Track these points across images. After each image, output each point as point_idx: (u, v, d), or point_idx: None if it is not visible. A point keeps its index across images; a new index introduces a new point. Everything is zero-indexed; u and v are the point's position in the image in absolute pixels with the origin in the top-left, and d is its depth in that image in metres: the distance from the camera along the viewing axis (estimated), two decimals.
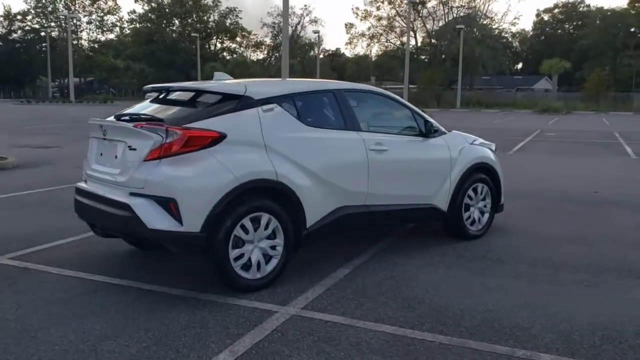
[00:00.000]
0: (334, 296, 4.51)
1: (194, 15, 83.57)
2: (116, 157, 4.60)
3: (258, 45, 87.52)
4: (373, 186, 5.32)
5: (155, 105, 4.95)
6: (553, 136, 21.95)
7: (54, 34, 76.33)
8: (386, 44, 74.19)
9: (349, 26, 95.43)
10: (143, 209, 4.25)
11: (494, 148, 6.74)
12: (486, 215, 6.46)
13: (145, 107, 4.98)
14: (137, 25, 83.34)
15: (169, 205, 4.24)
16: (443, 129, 6.06)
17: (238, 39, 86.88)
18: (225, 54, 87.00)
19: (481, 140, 6.65)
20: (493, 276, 5.07)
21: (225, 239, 4.36)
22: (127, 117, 4.67)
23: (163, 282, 4.76)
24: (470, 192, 6.22)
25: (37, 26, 76.97)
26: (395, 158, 5.53)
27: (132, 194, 4.34)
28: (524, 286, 4.83)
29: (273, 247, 4.67)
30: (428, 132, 5.89)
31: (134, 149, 4.41)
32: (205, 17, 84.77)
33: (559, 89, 57.85)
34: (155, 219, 4.23)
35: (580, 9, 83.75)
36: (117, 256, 5.52)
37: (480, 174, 6.32)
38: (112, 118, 4.84)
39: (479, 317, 4.14)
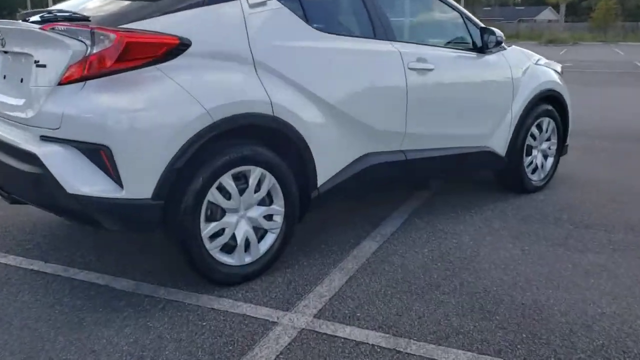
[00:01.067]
0: (361, 290, 2.97)
1: None
2: (21, 80, 2.93)
3: None
4: (412, 123, 3.69)
5: (95, 1, 3.22)
6: (571, 66, 20.11)
7: None
8: None
9: None
10: (58, 163, 2.63)
11: (559, 70, 5.07)
12: (550, 160, 4.87)
13: (80, 3, 3.24)
14: None
15: (99, 156, 2.62)
16: (503, 41, 4.35)
17: None
18: None
19: (544, 59, 4.97)
20: (587, 251, 3.52)
21: (193, 208, 2.77)
22: (37, 18, 2.96)
23: (103, 268, 3.21)
24: (534, 130, 4.59)
25: None
26: (444, 81, 3.86)
27: (44, 139, 2.71)
28: None
29: (268, 217, 3.10)
30: (485, 45, 4.18)
31: (43, 66, 2.75)
32: None
33: (566, 19, 55.41)
34: (77, 178, 2.62)
35: None
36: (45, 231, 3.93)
37: (547, 104, 4.67)
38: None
39: (602, 336, 2.62)
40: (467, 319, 2.70)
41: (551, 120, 4.74)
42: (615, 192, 4.77)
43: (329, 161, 3.29)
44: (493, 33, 4.16)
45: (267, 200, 3.08)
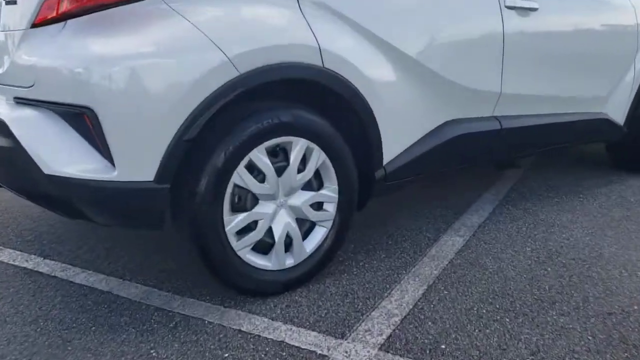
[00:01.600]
0: (445, 308, 2.15)
1: None
2: None
3: None
4: (510, 80, 2.80)
5: None
6: None
7: None
8: None
9: None
10: (31, 133, 1.92)
11: None
12: None
13: None
14: None
15: (83, 123, 1.91)
16: None
17: None
18: None
19: None
20: None
21: (213, 194, 2.01)
22: None
23: (97, 266, 2.53)
24: None
25: None
26: (551, 26, 2.93)
27: (18, 101, 2.01)
28: None
29: (317, 206, 2.31)
30: None
31: (13, 2, 2.04)
32: None
33: None
34: (57, 154, 1.90)
35: None
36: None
37: None
38: None
39: None
40: (603, 359, 1.84)
41: None
42: None
43: (400, 130, 2.46)
44: None
45: (316, 183, 2.30)
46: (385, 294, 2.25)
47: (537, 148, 3.21)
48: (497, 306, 2.15)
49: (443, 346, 1.91)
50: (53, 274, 2.50)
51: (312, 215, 2.28)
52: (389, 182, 2.49)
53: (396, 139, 2.46)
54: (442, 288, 2.29)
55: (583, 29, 3.12)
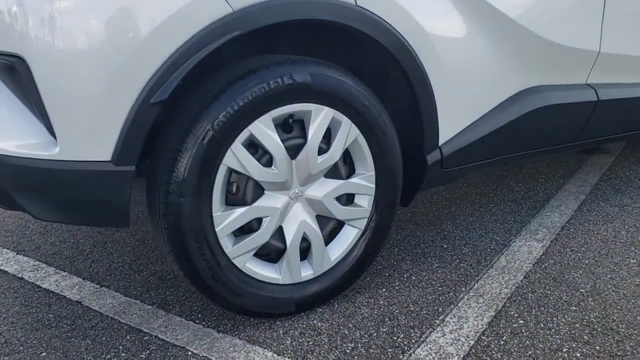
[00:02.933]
0: (525, 344, 1.53)
1: None
2: None
3: None
4: (611, 37, 2.11)
5: None
6: None
7: None
8: None
9: None
10: None
11: None
12: None
13: None
14: None
15: (14, 78, 1.37)
16: None
17: None
18: None
19: None
20: None
21: (198, 181, 1.45)
22: None
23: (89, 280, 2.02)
24: None
25: None
26: None
27: None
28: None
29: (347, 200, 1.72)
30: None
31: None
32: None
33: None
34: None
35: None
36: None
37: None
38: None
39: None
40: None
41: None
42: None
43: (463, 100, 1.83)
44: None
45: (344, 168, 1.71)
46: (437, 322, 1.64)
47: (636, 128, 2.49)
48: (598, 347, 1.51)
49: None
50: (20, 275, 2.01)
51: (339, 211, 1.68)
52: (447, 169, 1.87)
53: (458, 111, 1.83)
54: (517, 315, 1.66)
55: None
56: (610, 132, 2.42)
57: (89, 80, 1.31)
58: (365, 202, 1.72)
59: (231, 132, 1.46)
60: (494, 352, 1.50)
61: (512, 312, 1.68)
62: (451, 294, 1.79)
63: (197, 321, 1.68)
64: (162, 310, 1.75)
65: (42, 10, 1.28)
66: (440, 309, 1.71)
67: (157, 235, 1.56)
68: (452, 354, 1.49)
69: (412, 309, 1.71)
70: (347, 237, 1.73)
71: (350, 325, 1.64)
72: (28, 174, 1.36)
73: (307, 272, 1.67)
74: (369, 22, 1.56)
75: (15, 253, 2.18)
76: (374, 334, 1.59)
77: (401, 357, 1.49)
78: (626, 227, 2.26)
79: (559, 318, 1.65)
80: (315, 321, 1.66)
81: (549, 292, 1.79)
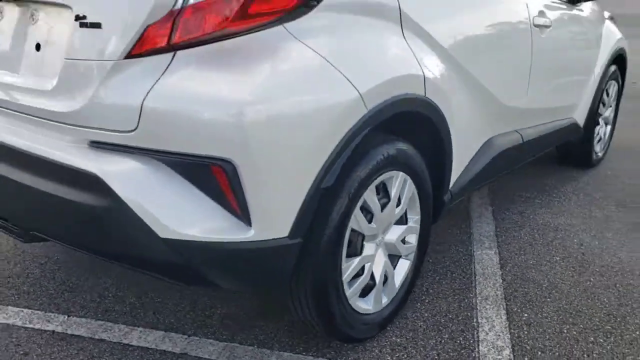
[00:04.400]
0: (539, 332, 2.19)
1: None
2: (38, 47, 1.78)
3: None
4: (532, 94, 2.90)
5: None
6: None
7: None
8: None
9: None
10: (140, 189, 1.57)
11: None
12: (608, 128, 4.30)
13: None
14: None
15: (209, 177, 1.59)
16: None
17: None
18: None
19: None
20: None
21: (336, 242, 1.83)
22: None
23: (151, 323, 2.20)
24: (604, 95, 3.97)
25: None
26: (559, 41, 3.08)
27: (98, 146, 1.63)
28: None
29: (404, 238, 2.21)
30: None
31: (95, 25, 1.62)
32: None
33: None
34: (174, 213, 1.58)
35: None
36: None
37: (613, 65, 4.03)
38: None
39: None
40: None
41: (615, 84, 4.14)
42: None
43: (463, 151, 2.43)
44: None
45: (405, 215, 2.19)
46: (474, 324, 2.23)
47: (533, 157, 3.36)
48: (582, 326, 2.24)
49: None
50: (25, 325, 2.10)
51: (403, 249, 2.18)
52: (450, 205, 2.46)
53: (460, 160, 2.42)
54: (519, 311, 2.33)
55: (574, 41, 3.33)
56: (533, 154, 3.24)
57: (283, 175, 1.62)
58: (413, 239, 2.23)
59: (356, 200, 1.86)
60: (527, 341, 2.14)
61: (515, 309, 2.34)
62: (466, 300, 2.39)
63: (305, 353, 2.03)
64: (265, 348, 2.05)
65: (249, 120, 1.54)
66: (469, 313, 2.30)
67: (292, 294, 1.87)
68: (503, 346, 2.10)
69: (450, 316, 2.28)
70: (404, 267, 2.23)
71: (421, 337, 2.14)
72: (225, 253, 1.61)
73: (385, 299, 2.14)
74: (431, 108, 2.08)
75: (66, 316, 2.22)
76: (442, 341, 2.12)
77: (473, 354, 2.05)
78: (535, 230, 3.09)
79: (545, 308, 2.35)
80: (394, 338, 2.13)
81: (526, 290, 2.49)
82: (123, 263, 1.76)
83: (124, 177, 1.58)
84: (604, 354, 2.07)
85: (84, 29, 1.61)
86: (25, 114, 1.79)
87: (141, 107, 1.55)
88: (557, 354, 2.07)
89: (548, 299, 2.42)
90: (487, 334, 2.17)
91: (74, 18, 1.62)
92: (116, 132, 1.60)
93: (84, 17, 1.61)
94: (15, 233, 1.96)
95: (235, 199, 1.59)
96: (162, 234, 1.56)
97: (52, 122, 1.71)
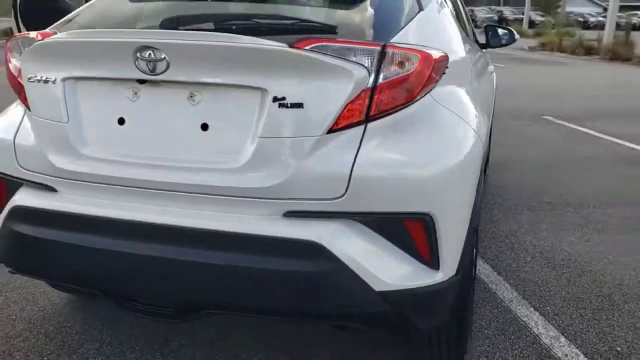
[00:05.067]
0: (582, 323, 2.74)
1: None
2: (205, 126, 1.81)
3: None
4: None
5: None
6: None
7: None
8: None
9: None
10: (353, 251, 1.74)
11: None
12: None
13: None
14: None
15: (402, 231, 1.81)
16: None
17: None
18: None
19: None
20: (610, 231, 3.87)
21: (470, 273, 2.17)
22: (230, 25, 1.96)
23: None
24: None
25: None
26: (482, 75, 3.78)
27: (294, 215, 1.76)
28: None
29: None
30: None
31: (297, 105, 1.73)
32: None
33: None
34: (381, 267, 1.77)
35: None
36: None
37: None
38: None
39: None
40: None
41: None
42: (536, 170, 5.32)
43: None
44: None
45: None
46: (534, 330, 2.70)
47: None
48: (598, 305, 2.84)
49: (618, 348, 2.52)
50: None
51: None
52: None
53: None
54: (542, 305, 2.86)
55: (485, 73, 4.03)
56: None
57: (458, 221, 1.90)
58: None
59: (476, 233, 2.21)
60: (571, 335, 2.66)
61: (539, 305, 2.86)
62: (504, 313, 2.83)
63: None
64: None
65: (443, 178, 1.80)
66: (521, 322, 2.74)
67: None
68: (564, 343, 2.59)
69: (511, 329, 2.69)
70: None
71: (508, 346, 2.53)
72: (423, 297, 1.84)
73: None
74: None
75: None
76: (525, 347, 2.52)
77: (554, 353, 2.49)
78: (495, 240, 3.68)
79: (556, 297, 2.91)
80: (478, 348, 2.50)
81: (531, 288, 3.03)
82: (327, 320, 1.87)
83: (338, 240, 1.74)
84: (601, 326, 2.69)
85: (282, 109, 1.72)
86: (197, 193, 1.80)
87: (350, 175, 1.72)
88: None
89: (551, 291, 2.99)
90: (546, 335, 2.62)
91: (271, 99, 1.72)
92: (323, 201, 1.73)
93: (283, 98, 1.72)
94: (167, 316, 1.92)
95: (428, 247, 1.83)
96: (377, 287, 1.75)
97: (236, 198, 1.77)
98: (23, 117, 2.08)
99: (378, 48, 1.74)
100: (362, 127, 1.76)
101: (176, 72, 1.76)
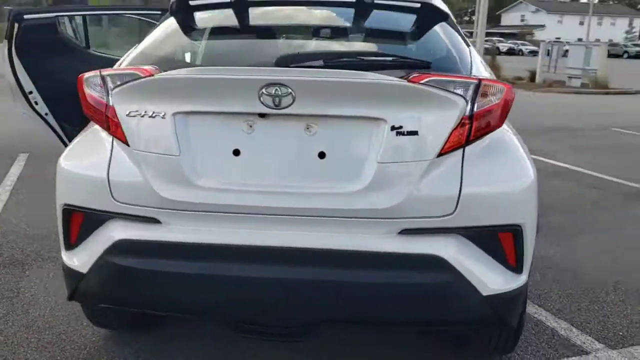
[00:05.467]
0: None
1: None
2: (322, 154, 1.95)
3: None
4: None
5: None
6: None
7: None
8: None
9: None
10: (466, 261, 1.98)
11: None
12: None
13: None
14: None
15: (495, 241, 2.06)
16: None
17: None
18: None
19: None
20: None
21: None
22: (341, 61, 2.20)
23: None
24: None
25: None
26: None
27: (409, 232, 1.96)
28: None
29: None
30: None
31: (413, 133, 1.93)
32: None
33: None
34: (486, 274, 2.02)
35: None
36: None
37: None
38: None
39: None
40: None
41: None
42: None
43: None
44: None
45: None
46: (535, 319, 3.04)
47: None
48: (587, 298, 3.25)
49: (620, 333, 2.93)
50: None
51: None
52: None
53: None
54: (550, 303, 3.22)
55: None
56: None
57: (534, 230, 2.18)
58: None
59: None
60: (580, 325, 3.04)
61: (547, 303, 3.23)
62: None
63: None
64: None
65: (530, 191, 2.09)
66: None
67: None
68: (568, 327, 2.95)
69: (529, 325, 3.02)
70: None
71: (534, 340, 2.85)
72: (515, 299, 2.10)
73: None
74: None
75: None
76: (549, 339, 2.86)
77: (574, 342, 2.84)
78: None
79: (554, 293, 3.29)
80: None
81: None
82: (436, 327, 2.06)
83: (454, 253, 1.96)
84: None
85: (400, 136, 1.92)
86: (317, 216, 1.94)
87: (459, 195, 1.95)
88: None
89: (555, 289, 3.37)
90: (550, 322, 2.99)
91: (389, 128, 1.91)
92: (436, 218, 1.95)
93: (400, 127, 1.92)
94: (287, 334, 2.02)
95: (515, 254, 2.09)
96: (484, 292, 1.99)
97: (355, 219, 1.94)
98: (112, 151, 2.08)
99: (475, 81, 1.99)
100: (461, 150, 2.00)
101: (300, 106, 1.90)
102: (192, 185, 1.97)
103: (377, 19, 2.56)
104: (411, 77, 1.93)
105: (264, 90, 1.87)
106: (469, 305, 1.99)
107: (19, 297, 3.10)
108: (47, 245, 3.74)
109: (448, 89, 1.95)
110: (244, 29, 2.55)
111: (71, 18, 3.74)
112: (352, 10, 2.64)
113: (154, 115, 1.97)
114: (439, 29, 2.44)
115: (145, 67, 2.06)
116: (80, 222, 2.13)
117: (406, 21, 2.55)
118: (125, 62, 2.30)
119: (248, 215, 1.96)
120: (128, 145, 2.03)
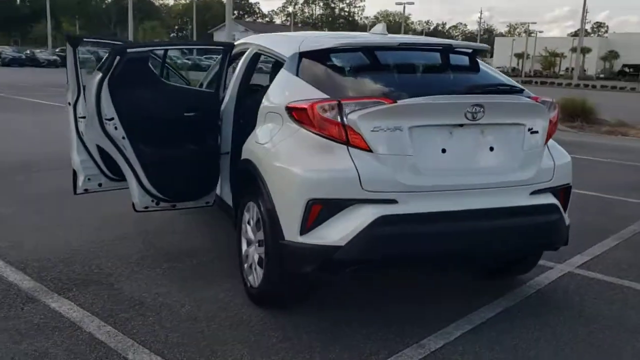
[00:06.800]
0: None
1: None
2: (492, 148, 3.13)
3: None
4: None
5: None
6: None
7: None
8: None
9: None
10: (559, 206, 3.33)
11: None
12: None
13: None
14: None
15: (563, 193, 3.41)
16: None
17: None
18: None
19: None
20: None
21: None
22: (494, 87, 3.38)
23: None
24: None
25: None
26: None
27: (537, 192, 3.24)
28: None
29: None
30: None
31: (536, 132, 3.20)
32: None
33: None
34: (564, 213, 3.39)
35: None
36: None
37: None
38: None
39: None
40: None
41: None
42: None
43: None
44: None
45: None
46: None
47: None
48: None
49: None
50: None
51: None
52: None
53: None
54: None
55: None
56: None
57: None
58: None
59: None
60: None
61: None
62: None
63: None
64: None
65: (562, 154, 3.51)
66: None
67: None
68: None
69: None
70: None
71: None
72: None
73: None
74: None
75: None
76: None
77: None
78: None
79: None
80: None
81: None
82: (551, 248, 3.40)
83: (556, 201, 3.27)
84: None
85: (532, 134, 3.20)
86: (489, 188, 3.08)
87: (554, 167, 3.28)
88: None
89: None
90: None
91: (527, 129, 3.15)
92: (546, 182, 3.25)
93: (531, 128, 3.18)
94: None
95: (565, 202, 3.47)
96: (567, 222, 3.37)
97: (511, 187, 3.12)
98: (351, 155, 2.87)
99: (551, 100, 3.34)
100: (549, 141, 3.33)
101: (485, 119, 3.01)
102: (421, 174, 2.92)
103: None
104: (533, 98, 3.21)
105: (468, 109, 2.94)
106: (564, 231, 3.32)
107: None
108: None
109: (545, 105, 3.27)
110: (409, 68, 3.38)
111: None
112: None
113: (394, 129, 2.85)
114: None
115: (379, 97, 2.92)
116: (319, 211, 2.86)
117: None
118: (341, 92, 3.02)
119: (453, 191, 3.01)
120: (371, 151, 2.86)
